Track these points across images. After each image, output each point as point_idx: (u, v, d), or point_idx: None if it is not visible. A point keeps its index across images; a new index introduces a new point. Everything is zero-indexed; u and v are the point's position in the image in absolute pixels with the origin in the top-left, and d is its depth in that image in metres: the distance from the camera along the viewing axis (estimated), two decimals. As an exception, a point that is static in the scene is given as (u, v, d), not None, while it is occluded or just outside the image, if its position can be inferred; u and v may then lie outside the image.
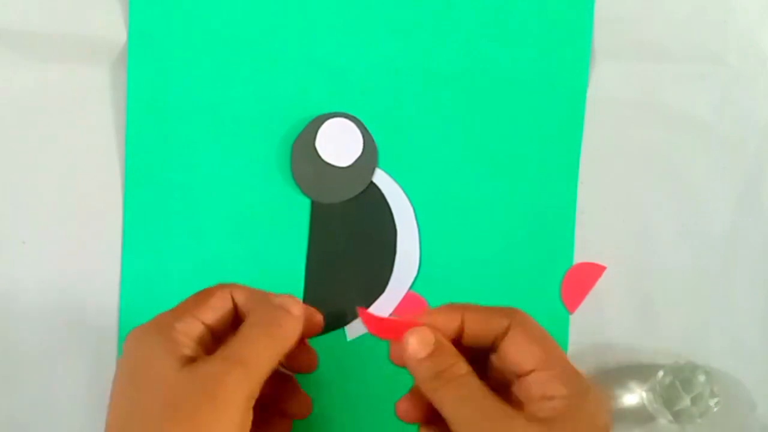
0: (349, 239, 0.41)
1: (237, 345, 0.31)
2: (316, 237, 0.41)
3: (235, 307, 0.33)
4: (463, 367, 0.31)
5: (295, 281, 0.41)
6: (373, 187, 0.41)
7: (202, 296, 0.33)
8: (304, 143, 0.41)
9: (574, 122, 0.42)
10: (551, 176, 0.42)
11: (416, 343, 0.31)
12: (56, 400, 0.40)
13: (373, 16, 0.41)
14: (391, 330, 0.32)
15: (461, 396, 0.30)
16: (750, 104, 0.42)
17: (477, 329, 0.32)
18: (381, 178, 0.41)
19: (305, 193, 0.41)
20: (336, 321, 0.41)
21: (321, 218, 0.41)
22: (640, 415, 0.41)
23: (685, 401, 0.40)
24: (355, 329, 0.41)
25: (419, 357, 0.31)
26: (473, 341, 0.32)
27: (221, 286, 0.34)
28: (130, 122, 0.41)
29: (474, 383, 0.30)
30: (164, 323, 0.31)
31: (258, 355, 0.31)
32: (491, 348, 0.32)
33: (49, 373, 0.41)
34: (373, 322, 0.33)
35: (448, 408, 0.30)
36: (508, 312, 0.32)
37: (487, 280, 0.41)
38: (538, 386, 0.30)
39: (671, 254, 0.42)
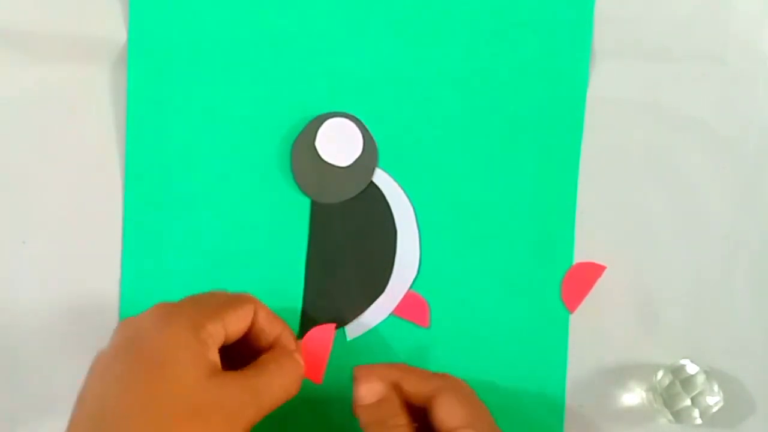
0: (349, 239, 0.41)
1: (266, 385, 0.33)
2: (316, 237, 0.41)
3: (252, 323, 0.36)
4: (401, 419, 0.35)
5: (295, 281, 0.41)
6: (373, 187, 0.41)
7: (231, 303, 0.35)
8: (304, 143, 0.41)
9: (574, 122, 0.42)
10: (551, 176, 0.42)
11: (366, 391, 0.36)
12: (56, 400, 0.40)
13: (374, 15, 0.41)
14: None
15: None
16: (750, 104, 0.42)
17: (412, 388, 0.36)
18: (381, 178, 0.41)
19: (305, 192, 0.41)
20: (336, 321, 0.41)
21: (321, 218, 0.41)
22: (640, 414, 0.41)
23: (686, 401, 0.40)
24: (355, 329, 0.41)
25: (366, 403, 0.36)
26: (410, 399, 0.36)
27: (249, 298, 0.36)
28: (130, 122, 0.41)
29: None
30: (197, 321, 0.33)
31: (277, 402, 0.34)
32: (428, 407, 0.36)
33: (49, 373, 0.41)
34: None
35: None
36: (441, 376, 0.36)
37: (487, 279, 0.41)
38: None
39: (671, 254, 0.42)
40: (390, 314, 0.41)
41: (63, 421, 0.38)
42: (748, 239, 0.42)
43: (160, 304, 0.34)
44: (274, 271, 0.41)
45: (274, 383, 0.34)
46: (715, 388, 0.40)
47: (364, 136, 0.41)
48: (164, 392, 0.30)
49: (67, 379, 0.40)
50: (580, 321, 0.42)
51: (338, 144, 0.41)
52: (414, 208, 0.41)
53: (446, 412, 0.34)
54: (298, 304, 0.41)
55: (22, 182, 0.41)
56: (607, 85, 0.42)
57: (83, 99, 0.41)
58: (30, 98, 0.41)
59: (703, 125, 0.42)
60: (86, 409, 0.31)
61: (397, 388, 0.36)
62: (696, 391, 0.40)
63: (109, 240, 0.41)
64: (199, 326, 0.32)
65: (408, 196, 0.41)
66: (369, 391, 0.36)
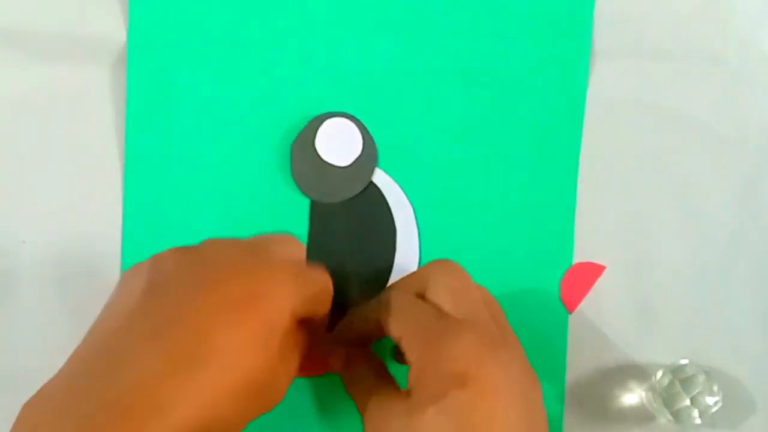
0: (348, 239, 0.41)
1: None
2: (316, 236, 0.41)
3: None
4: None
5: (295, 281, 0.41)
6: (372, 187, 0.41)
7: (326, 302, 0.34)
8: (303, 143, 0.41)
9: (574, 122, 0.42)
10: (551, 176, 0.42)
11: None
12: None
13: (373, 15, 0.41)
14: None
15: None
16: (750, 104, 0.42)
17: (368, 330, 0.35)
18: (380, 178, 0.41)
19: (305, 192, 0.41)
20: (335, 320, 0.41)
21: (321, 218, 0.41)
22: (640, 414, 0.41)
23: (685, 401, 0.40)
24: (354, 329, 0.41)
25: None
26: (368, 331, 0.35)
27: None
28: (130, 122, 0.41)
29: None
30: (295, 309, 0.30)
31: None
32: None
33: (51, 374, 0.41)
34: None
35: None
36: (375, 307, 0.34)
37: (486, 279, 0.41)
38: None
39: (671, 254, 0.42)
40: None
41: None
42: (748, 239, 0.42)
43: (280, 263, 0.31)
44: (273, 271, 0.41)
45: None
46: (715, 388, 0.40)
47: (363, 136, 0.41)
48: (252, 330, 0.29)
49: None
50: (579, 321, 0.42)
51: (338, 144, 0.41)
52: (413, 208, 0.41)
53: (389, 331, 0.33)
54: (298, 304, 0.41)
55: (22, 182, 0.41)
56: (607, 85, 0.42)
57: (83, 99, 0.41)
58: (30, 98, 0.41)
59: (703, 125, 0.42)
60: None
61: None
62: (695, 391, 0.40)
63: (108, 240, 0.41)
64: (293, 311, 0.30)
65: (407, 196, 0.41)
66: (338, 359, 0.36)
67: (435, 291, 0.33)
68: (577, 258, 0.42)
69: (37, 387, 0.40)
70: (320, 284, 0.33)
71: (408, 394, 0.31)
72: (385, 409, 0.31)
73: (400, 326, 0.32)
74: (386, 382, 0.34)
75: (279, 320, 0.29)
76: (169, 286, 0.30)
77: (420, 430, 0.29)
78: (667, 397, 0.40)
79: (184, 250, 0.31)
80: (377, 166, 0.41)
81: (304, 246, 0.35)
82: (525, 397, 0.31)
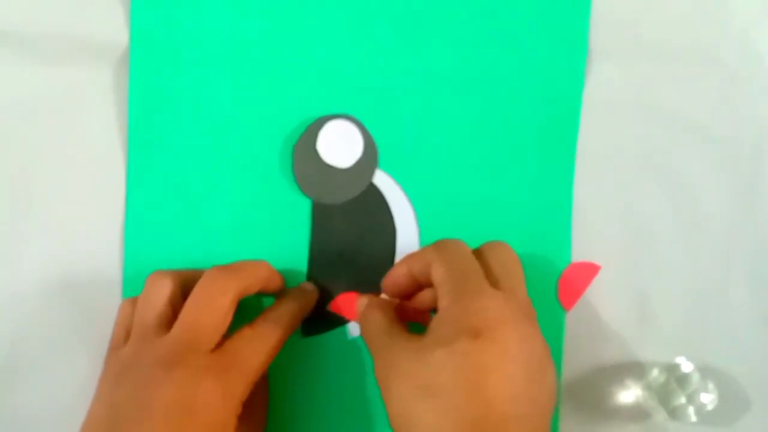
0: (349, 239, 0.42)
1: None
2: (318, 237, 0.41)
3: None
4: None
5: (298, 281, 0.41)
6: (373, 188, 0.42)
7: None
8: (305, 145, 0.41)
9: (571, 122, 0.42)
10: (548, 176, 0.42)
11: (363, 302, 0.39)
12: (57, 400, 0.40)
13: (373, 18, 0.42)
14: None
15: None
16: (747, 104, 0.43)
17: (418, 271, 0.37)
18: (381, 179, 0.42)
19: (306, 193, 0.41)
20: (338, 319, 0.41)
21: (322, 218, 0.41)
22: (636, 412, 0.42)
23: (681, 399, 0.40)
24: (356, 327, 0.42)
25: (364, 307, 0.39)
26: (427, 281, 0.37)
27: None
28: (132, 124, 0.41)
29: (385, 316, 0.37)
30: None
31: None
32: None
33: (51, 374, 0.41)
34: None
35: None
36: (433, 248, 0.37)
37: (485, 279, 0.42)
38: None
39: (668, 253, 0.42)
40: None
41: (61, 423, 0.38)
42: (744, 239, 0.43)
43: None
44: (275, 271, 0.41)
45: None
46: (710, 386, 0.40)
47: (364, 138, 0.41)
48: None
49: (68, 380, 0.40)
50: (576, 319, 0.42)
51: (339, 146, 0.41)
52: (414, 208, 0.42)
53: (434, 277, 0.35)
54: (300, 303, 0.41)
55: (24, 183, 0.41)
56: (604, 85, 0.42)
57: (85, 102, 0.41)
58: (32, 100, 0.41)
59: (700, 125, 0.42)
60: None
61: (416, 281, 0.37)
62: (691, 389, 0.40)
63: (110, 241, 0.41)
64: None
65: (408, 197, 0.42)
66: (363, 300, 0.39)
67: (487, 257, 0.36)
68: (574, 257, 0.42)
69: (39, 387, 0.41)
70: (254, 270, 0.38)
71: (422, 337, 0.33)
72: (397, 346, 0.34)
73: (445, 273, 0.34)
74: (399, 327, 0.36)
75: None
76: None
77: (425, 365, 0.32)
78: (663, 395, 0.40)
79: None
80: (378, 167, 0.42)
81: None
82: (532, 366, 0.33)
